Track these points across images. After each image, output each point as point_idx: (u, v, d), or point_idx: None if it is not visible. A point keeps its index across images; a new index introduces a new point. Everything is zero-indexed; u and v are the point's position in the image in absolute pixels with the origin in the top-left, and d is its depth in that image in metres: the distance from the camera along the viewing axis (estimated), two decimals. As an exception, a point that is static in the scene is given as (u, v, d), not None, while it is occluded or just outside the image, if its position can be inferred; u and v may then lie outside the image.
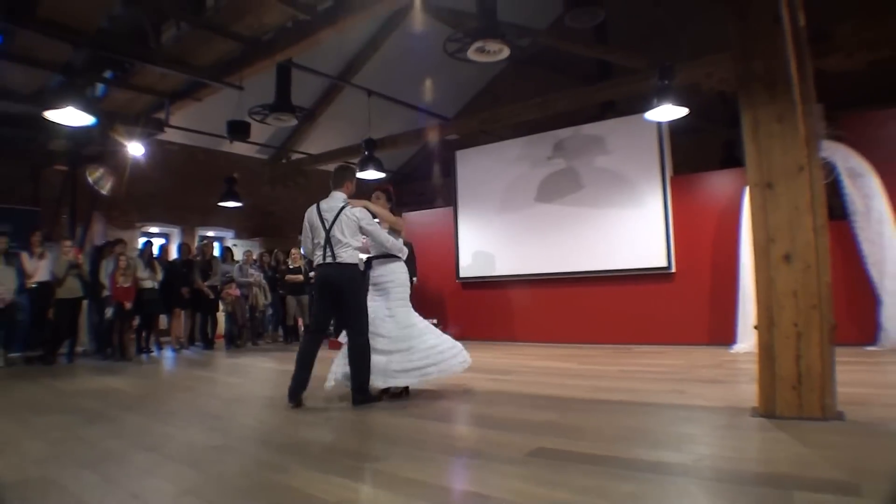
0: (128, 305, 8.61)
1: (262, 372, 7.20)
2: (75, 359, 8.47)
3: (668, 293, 8.53)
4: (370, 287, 4.93)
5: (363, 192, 5.20)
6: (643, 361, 6.79)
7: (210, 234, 12.19)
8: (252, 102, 8.26)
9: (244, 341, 10.51)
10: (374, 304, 4.81)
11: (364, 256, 4.96)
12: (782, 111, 3.58)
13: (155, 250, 9.80)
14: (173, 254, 10.57)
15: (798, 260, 3.48)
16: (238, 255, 11.24)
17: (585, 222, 9.33)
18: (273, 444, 3.53)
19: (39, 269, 8.22)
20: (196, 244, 11.03)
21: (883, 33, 5.65)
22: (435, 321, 10.56)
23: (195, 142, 11.38)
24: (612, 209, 9.06)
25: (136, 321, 9.19)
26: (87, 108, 6.49)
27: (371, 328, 4.66)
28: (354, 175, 5.04)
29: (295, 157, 12.33)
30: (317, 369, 4.63)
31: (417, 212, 12.24)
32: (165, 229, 11.73)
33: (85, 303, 8.80)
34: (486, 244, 10.56)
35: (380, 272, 4.91)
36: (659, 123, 8.28)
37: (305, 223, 4.78)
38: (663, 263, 8.54)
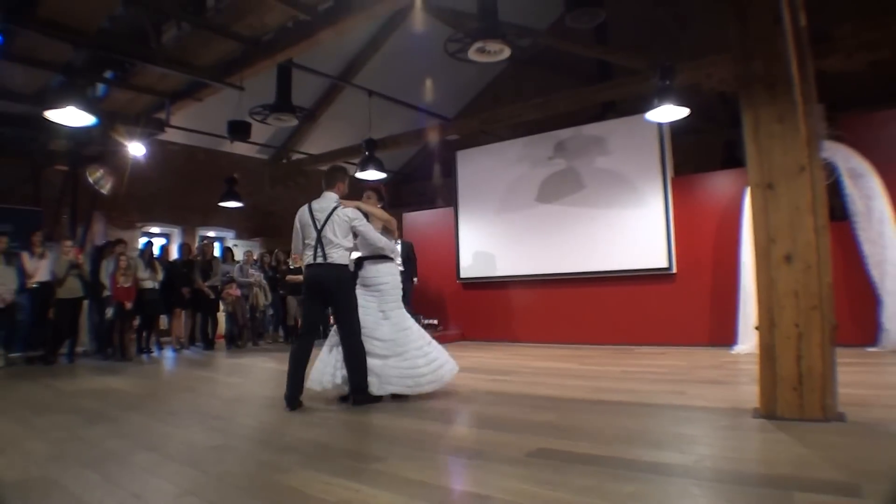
0: (128, 305, 8.61)
1: (262, 372, 7.20)
2: (76, 359, 8.47)
3: (669, 294, 8.53)
4: (360, 287, 4.87)
5: (359, 192, 5.17)
6: (644, 362, 6.79)
7: (211, 234, 12.19)
8: (253, 102, 8.27)
9: (245, 341, 10.51)
10: (366, 305, 4.76)
11: (354, 255, 4.92)
12: (783, 112, 3.58)
13: (156, 250, 9.80)
14: (174, 254, 10.57)
15: (799, 260, 3.48)
16: (238, 255, 11.24)
17: (586, 223, 9.33)
18: (273, 444, 3.53)
19: (40, 269, 8.22)
20: (197, 244, 11.03)
21: (883, 34, 5.65)
22: (436, 322, 10.69)
23: (196, 142, 11.38)
24: (613, 210, 9.06)
25: (137, 321, 9.19)
26: (88, 108, 6.49)
27: (365, 331, 4.63)
28: (347, 176, 4.98)
29: (295, 157, 12.35)
30: (310, 370, 4.64)
31: (418, 212, 12.25)
32: (166, 229, 11.73)
33: (85, 303, 8.80)
34: (487, 244, 10.57)
35: (372, 273, 4.85)
36: (660, 124, 8.27)
37: (296, 222, 4.76)
38: (664, 264, 8.54)
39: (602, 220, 9.18)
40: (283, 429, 3.94)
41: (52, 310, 8.24)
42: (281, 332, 11.39)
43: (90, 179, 9.67)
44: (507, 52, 6.14)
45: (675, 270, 8.49)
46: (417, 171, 14.74)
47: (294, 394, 4.44)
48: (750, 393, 3.93)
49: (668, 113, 6.91)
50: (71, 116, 6.46)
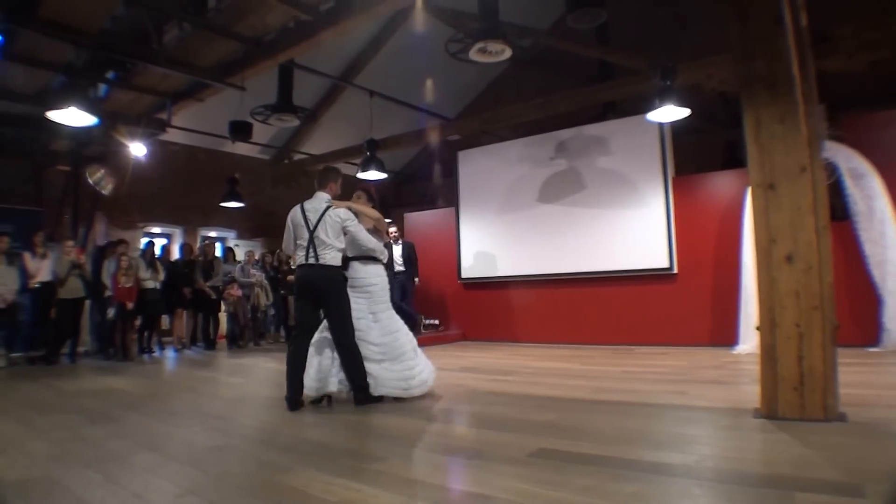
0: (130, 305, 8.62)
1: (263, 372, 7.20)
2: (77, 359, 8.48)
3: (670, 294, 8.52)
4: (349, 288, 4.80)
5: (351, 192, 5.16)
6: (645, 362, 6.79)
7: (212, 234, 12.21)
8: (254, 103, 8.27)
9: (246, 342, 10.52)
10: (357, 307, 4.71)
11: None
12: (784, 112, 3.58)
13: (157, 250, 9.80)
14: (175, 254, 10.58)
15: (800, 260, 3.48)
16: (240, 255, 11.25)
17: (587, 223, 9.33)
18: (275, 444, 3.54)
19: (42, 270, 8.22)
20: (198, 244, 11.04)
21: (883, 34, 5.64)
22: (437, 322, 10.69)
23: (197, 142, 11.39)
24: (614, 210, 9.06)
25: (139, 321, 9.19)
26: (90, 108, 6.51)
27: (359, 334, 4.62)
28: (339, 176, 4.95)
29: (297, 157, 12.35)
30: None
31: (419, 212, 12.26)
32: (167, 229, 11.74)
33: (87, 303, 8.81)
34: (488, 244, 10.56)
35: (361, 273, 4.80)
36: (661, 124, 8.27)
37: (289, 222, 4.74)
38: (665, 264, 8.53)
39: (603, 220, 9.18)
40: (284, 429, 3.94)
41: (53, 310, 8.25)
42: (282, 333, 11.39)
43: (90, 180, 9.67)
44: (508, 53, 6.14)
45: (676, 270, 8.48)
46: (418, 172, 14.74)
47: (294, 395, 4.45)
48: (751, 393, 3.93)
49: (669, 113, 6.92)
50: (72, 117, 6.48)
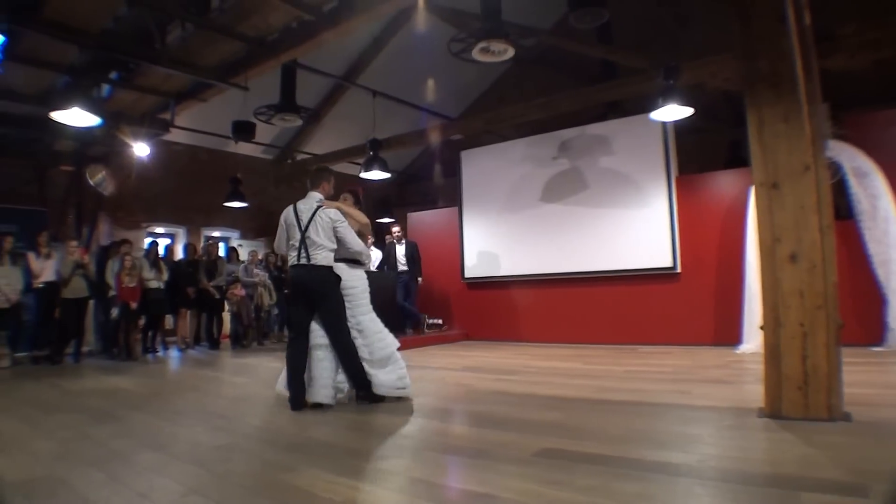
0: (133, 305, 8.64)
1: (267, 371, 7.20)
2: (82, 358, 8.50)
3: (674, 293, 8.52)
4: None
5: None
6: (648, 362, 6.79)
7: (215, 234, 12.22)
8: (257, 103, 8.27)
9: (250, 341, 10.53)
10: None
11: None
12: (788, 111, 3.57)
13: (160, 250, 9.82)
14: (179, 254, 10.59)
15: (804, 260, 3.48)
16: (243, 255, 11.27)
17: (590, 222, 9.33)
18: (279, 443, 3.54)
19: (46, 269, 8.24)
20: (201, 244, 11.05)
21: (886, 33, 5.63)
22: (440, 321, 10.70)
23: (200, 142, 11.40)
24: (617, 209, 9.05)
25: (142, 321, 9.21)
26: (93, 108, 6.51)
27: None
28: (332, 176, 4.96)
29: (300, 157, 12.36)
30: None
31: (422, 212, 12.27)
32: (171, 229, 11.75)
33: (91, 303, 8.84)
34: (491, 244, 10.57)
35: (345, 276, 4.73)
36: (664, 123, 8.28)
37: (282, 221, 4.75)
38: (668, 263, 8.53)
39: (606, 219, 9.17)
40: (288, 428, 3.95)
41: (57, 310, 8.27)
42: (286, 332, 11.37)
43: (91, 181, 9.69)
44: (510, 52, 6.13)
45: (679, 270, 8.47)
46: (421, 172, 14.74)
47: (297, 395, 4.45)
48: (755, 392, 3.93)
49: (672, 112, 6.90)
50: (76, 117, 6.48)
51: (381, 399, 4.59)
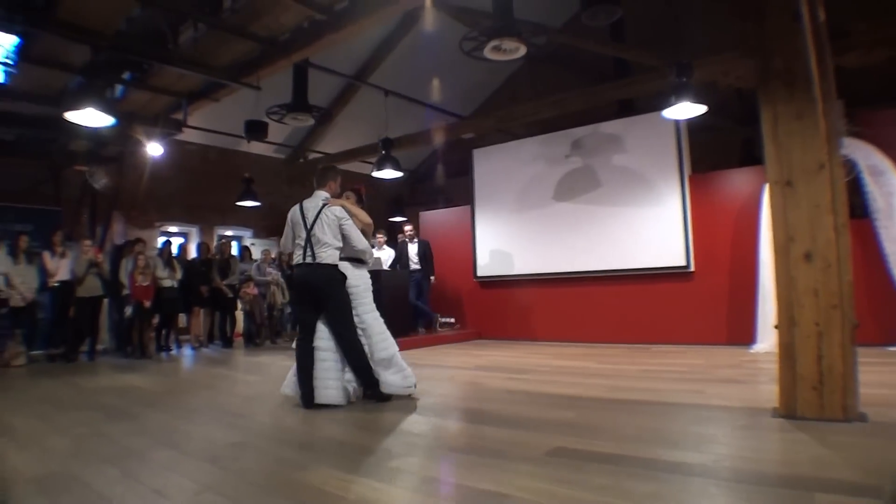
0: (147, 304, 8.71)
1: (280, 370, 7.21)
2: (96, 356, 8.58)
3: (687, 292, 8.47)
4: None
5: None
6: (662, 361, 6.75)
7: (228, 233, 12.29)
8: (269, 102, 8.30)
9: (263, 339, 10.59)
10: None
11: None
12: (802, 108, 3.54)
13: (174, 249, 9.89)
14: (192, 253, 10.65)
15: (819, 259, 3.45)
16: (256, 253, 11.32)
17: (603, 221, 9.29)
18: (292, 441, 3.56)
19: (61, 268, 8.32)
20: (215, 243, 11.13)
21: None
22: (452, 320, 10.70)
23: (213, 142, 11.46)
24: (630, 208, 9.01)
25: (156, 320, 9.28)
26: (107, 109, 6.56)
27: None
28: (338, 175, 5.00)
29: (312, 156, 12.40)
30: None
31: (435, 210, 12.27)
32: (184, 228, 11.82)
33: (105, 301, 8.91)
34: (504, 243, 10.55)
35: (349, 275, 4.75)
36: (677, 121, 8.22)
37: (288, 220, 4.77)
38: (682, 262, 8.48)
39: (619, 218, 9.14)
40: (301, 426, 3.97)
41: (72, 308, 8.35)
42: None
43: (88, 178, 9.73)
44: (522, 51, 6.12)
45: (692, 269, 8.42)
46: (433, 170, 14.74)
47: (308, 395, 4.47)
48: (769, 392, 3.90)
49: (685, 110, 6.84)
50: (90, 117, 6.53)
51: (388, 398, 4.60)
